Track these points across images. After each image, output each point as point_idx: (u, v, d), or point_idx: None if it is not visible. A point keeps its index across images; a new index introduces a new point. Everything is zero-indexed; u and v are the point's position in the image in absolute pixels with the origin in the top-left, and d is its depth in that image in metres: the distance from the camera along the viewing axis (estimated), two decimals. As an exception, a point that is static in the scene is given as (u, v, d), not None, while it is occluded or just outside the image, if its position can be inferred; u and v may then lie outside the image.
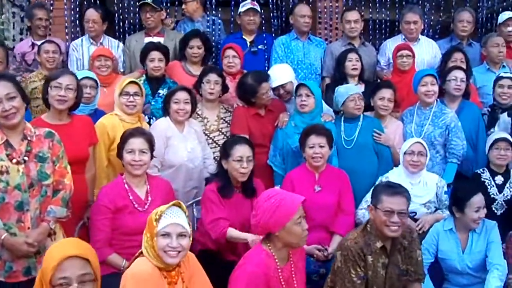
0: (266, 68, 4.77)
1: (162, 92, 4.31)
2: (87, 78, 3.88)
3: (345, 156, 3.98)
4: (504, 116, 4.25)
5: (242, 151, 3.39)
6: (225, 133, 4.17)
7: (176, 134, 3.87)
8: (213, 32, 5.01)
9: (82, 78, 3.75)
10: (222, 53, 4.52)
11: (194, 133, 3.97)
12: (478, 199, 3.28)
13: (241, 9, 4.85)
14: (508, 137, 3.87)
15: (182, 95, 3.86)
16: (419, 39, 4.98)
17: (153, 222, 2.44)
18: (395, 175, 3.75)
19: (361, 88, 4.36)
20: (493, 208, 3.78)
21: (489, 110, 4.35)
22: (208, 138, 4.12)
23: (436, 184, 3.72)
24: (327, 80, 4.76)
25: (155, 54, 4.30)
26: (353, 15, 4.83)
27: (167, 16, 5.04)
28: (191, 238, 2.51)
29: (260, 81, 4.06)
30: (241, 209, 3.42)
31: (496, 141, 3.85)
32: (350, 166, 3.91)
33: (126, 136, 3.31)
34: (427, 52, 4.93)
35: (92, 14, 4.70)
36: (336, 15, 5.35)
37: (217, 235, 3.26)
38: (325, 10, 5.38)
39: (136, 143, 3.25)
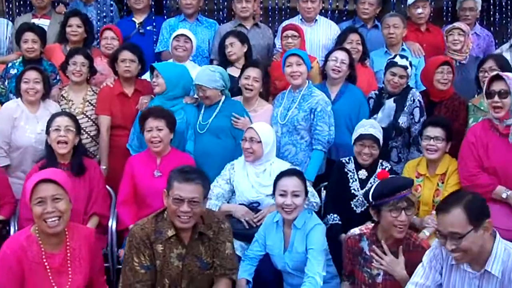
0: (154, 49, 4.66)
1: (35, 74, 4.22)
2: None
3: (199, 140, 3.82)
4: (390, 102, 3.93)
5: (59, 121, 3.43)
6: (89, 116, 4.05)
7: (26, 115, 3.79)
8: (105, 15, 4.88)
9: None
10: (100, 35, 4.40)
11: (49, 115, 3.87)
12: (284, 183, 3.01)
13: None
14: (377, 133, 3.53)
15: (31, 75, 3.78)
16: (316, 20, 4.73)
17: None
18: (241, 164, 3.57)
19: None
20: (352, 205, 3.52)
21: (376, 94, 4.06)
22: (71, 121, 4.01)
23: None
24: (215, 63, 4.57)
25: (29, 35, 4.21)
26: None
27: (58, 4, 4.94)
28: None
29: None
30: None
31: (362, 137, 3.52)
32: (204, 150, 3.78)
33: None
34: (324, 34, 4.69)
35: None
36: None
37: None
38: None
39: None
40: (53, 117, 3.52)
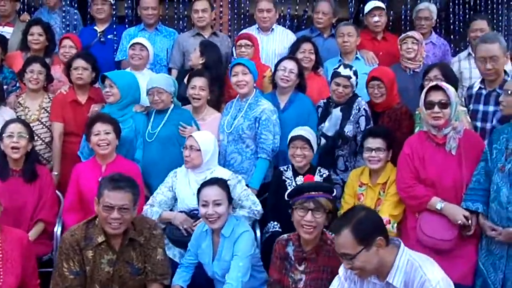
0: (114, 57, 4.76)
1: (-5, 81, 4.34)
2: None
3: (147, 148, 3.91)
4: (336, 111, 3.99)
5: (13, 128, 3.54)
6: (44, 123, 4.16)
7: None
8: (69, 24, 4.99)
9: None
10: (59, 43, 4.51)
11: (3, 122, 3.98)
12: (205, 193, 3.10)
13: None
14: (307, 134, 3.66)
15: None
16: (272, 29, 4.81)
17: None
18: (183, 171, 3.65)
19: None
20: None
21: (324, 103, 4.14)
22: (27, 128, 4.12)
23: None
24: (174, 72, 4.67)
25: (-10, 43, 4.34)
26: (201, 4, 4.70)
27: (23, 12, 5.06)
28: None
29: None
30: (17, 194, 3.50)
31: (292, 139, 3.66)
32: (152, 159, 3.88)
33: None
34: (280, 43, 4.76)
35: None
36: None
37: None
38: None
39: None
40: (7, 123, 3.62)
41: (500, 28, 5.52)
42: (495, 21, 5.41)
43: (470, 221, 3.13)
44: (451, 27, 5.30)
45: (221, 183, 3.19)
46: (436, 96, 3.26)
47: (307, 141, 3.63)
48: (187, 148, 3.56)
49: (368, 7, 4.89)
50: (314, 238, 2.85)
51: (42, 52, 4.52)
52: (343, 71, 3.94)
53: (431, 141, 3.33)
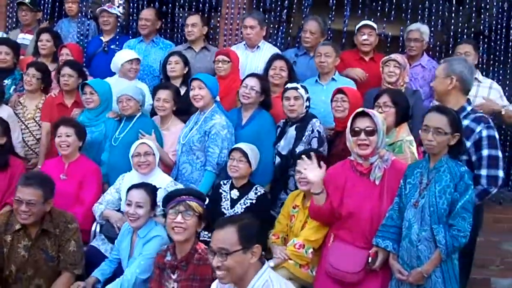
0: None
1: (7, 82, 4.93)
2: None
3: (113, 151, 4.26)
4: (291, 130, 4.06)
5: None
6: (38, 121, 4.67)
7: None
8: (82, 33, 5.50)
9: None
10: (58, 51, 5.00)
11: (-1, 118, 4.55)
12: (131, 193, 3.39)
13: (97, 11, 5.33)
14: (246, 148, 3.78)
15: (-18, 84, 4.49)
16: (258, 47, 4.94)
17: None
18: (131, 175, 3.93)
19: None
20: None
21: (284, 122, 4.20)
22: (22, 124, 4.65)
23: (165, 188, 3.73)
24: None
25: (2, 48, 4.92)
26: (191, 19, 4.98)
27: (45, 21, 5.65)
28: None
29: None
30: None
31: (232, 150, 3.82)
32: (114, 161, 4.21)
33: None
34: (264, 60, 4.76)
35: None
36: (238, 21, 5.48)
37: None
38: (226, 16, 5.49)
39: None
40: None
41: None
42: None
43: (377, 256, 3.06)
44: (451, 51, 5.04)
45: (148, 188, 3.46)
46: (362, 123, 3.18)
47: (245, 154, 3.75)
48: (141, 155, 3.82)
49: (358, 24, 4.86)
50: (186, 245, 3.00)
51: (50, 57, 5.06)
52: (289, 85, 4.03)
53: (355, 170, 3.24)
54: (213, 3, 5.65)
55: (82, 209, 3.92)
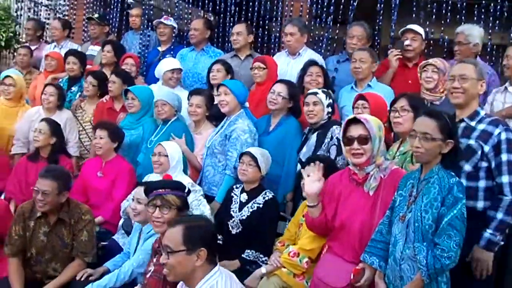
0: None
1: (74, 89, 5.48)
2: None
3: (146, 154, 4.46)
4: (313, 137, 3.97)
5: (38, 125, 4.56)
6: (93, 123, 5.10)
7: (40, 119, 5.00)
8: (143, 44, 5.92)
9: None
10: (122, 61, 5.42)
11: (60, 120, 5.02)
12: (138, 191, 3.54)
13: (154, 23, 5.69)
14: (256, 153, 3.78)
15: (48, 89, 5.02)
16: (299, 53, 4.91)
17: None
18: (153, 175, 4.10)
19: None
20: (230, 226, 3.77)
21: (309, 129, 4.12)
22: (80, 126, 5.11)
23: None
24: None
25: (70, 59, 5.49)
26: (237, 28, 5.11)
27: (113, 34, 6.14)
28: None
29: None
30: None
31: (242, 154, 3.84)
32: (148, 163, 4.36)
33: None
34: (306, 67, 4.83)
35: (54, 23, 6.29)
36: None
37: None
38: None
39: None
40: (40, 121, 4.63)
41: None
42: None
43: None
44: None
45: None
46: (355, 131, 2.99)
47: (254, 159, 3.76)
48: (156, 155, 4.03)
49: (403, 29, 4.64)
50: None
51: (111, 67, 5.49)
52: (312, 90, 3.98)
53: (351, 180, 3.06)
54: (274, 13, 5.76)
55: (112, 205, 4.21)
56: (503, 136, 3.02)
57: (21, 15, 7.14)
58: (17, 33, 7.03)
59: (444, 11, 5.04)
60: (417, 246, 2.61)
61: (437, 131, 2.68)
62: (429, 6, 5.06)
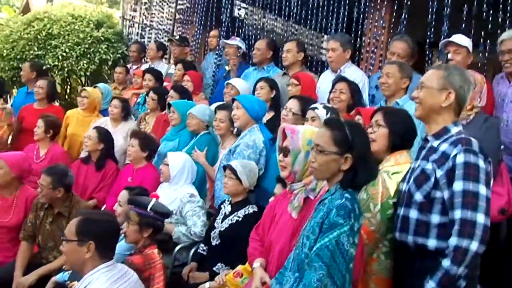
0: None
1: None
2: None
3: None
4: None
5: (89, 132, 4.98)
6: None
7: (108, 128, 5.50)
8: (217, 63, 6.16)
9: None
10: (182, 77, 5.75)
11: (124, 130, 5.49)
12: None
13: (220, 43, 5.96)
14: (236, 165, 3.71)
15: (114, 101, 5.54)
16: (340, 70, 4.62)
17: None
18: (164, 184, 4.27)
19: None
20: (212, 237, 3.71)
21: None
22: (143, 135, 5.53)
23: (181, 199, 4.00)
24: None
25: (147, 76, 6.01)
26: (287, 45, 5.04)
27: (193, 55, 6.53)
28: None
29: None
30: (88, 175, 4.88)
31: (224, 167, 3.80)
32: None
33: None
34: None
35: (151, 45, 6.90)
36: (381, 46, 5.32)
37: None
38: (369, 42, 5.37)
39: None
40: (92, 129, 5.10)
41: None
42: None
43: None
44: None
45: (135, 190, 3.79)
46: (285, 142, 2.83)
47: (234, 171, 3.68)
48: (163, 164, 4.19)
49: (443, 41, 4.09)
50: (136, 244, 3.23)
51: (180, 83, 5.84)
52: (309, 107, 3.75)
53: (288, 198, 2.84)
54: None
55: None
56: (460, 158, 2.41)
57: (131, 38, 8.01)
58: (126, 54, 7.84)
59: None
60: (287, 276, 2.32)
61: (331, 143, 2.33)
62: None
